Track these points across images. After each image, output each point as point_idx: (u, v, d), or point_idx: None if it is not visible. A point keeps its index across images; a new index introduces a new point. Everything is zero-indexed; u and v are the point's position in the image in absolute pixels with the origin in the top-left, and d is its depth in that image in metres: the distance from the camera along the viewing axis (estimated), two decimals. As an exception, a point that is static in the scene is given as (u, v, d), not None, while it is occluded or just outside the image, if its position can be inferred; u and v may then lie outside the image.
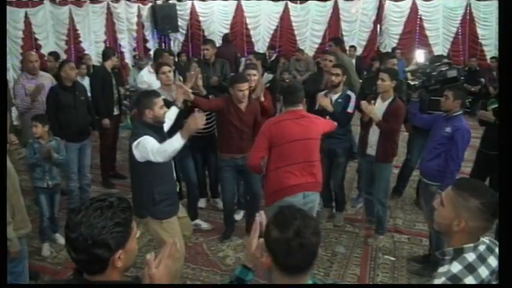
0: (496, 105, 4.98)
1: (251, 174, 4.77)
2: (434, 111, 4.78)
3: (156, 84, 5.22)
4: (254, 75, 5.04)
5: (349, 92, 4.90)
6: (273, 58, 11.68)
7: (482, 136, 5.14)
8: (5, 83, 4.43)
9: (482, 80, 9.96)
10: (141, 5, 11.79)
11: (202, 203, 5.66)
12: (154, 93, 3.62)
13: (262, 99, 5.02)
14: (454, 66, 4.22)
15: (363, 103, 4.51)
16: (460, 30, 11.77)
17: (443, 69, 4.23)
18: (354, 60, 10.93)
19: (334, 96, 4.89)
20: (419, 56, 4.99)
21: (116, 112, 6.24)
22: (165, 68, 4.99)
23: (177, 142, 3.25)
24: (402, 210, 5.75)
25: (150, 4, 12.03)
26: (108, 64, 6.09)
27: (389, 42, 12.21)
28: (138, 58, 10.59)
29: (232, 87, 4.55)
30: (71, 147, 5.17)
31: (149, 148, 3.25)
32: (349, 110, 4.79)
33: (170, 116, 3.97)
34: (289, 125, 3.70)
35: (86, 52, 10.11)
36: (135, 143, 3.32)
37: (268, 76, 5.96)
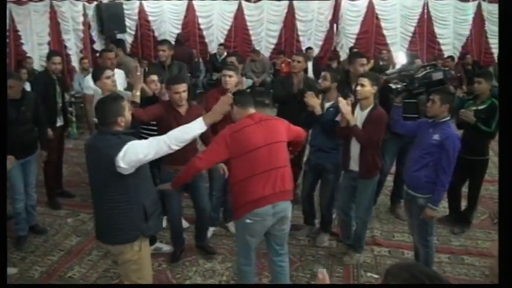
0: (474, 108, 4.75)
1: (198, 189, 4.35)
2: (409, 114, 4.46)
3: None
4: (230, 76, 4.56)
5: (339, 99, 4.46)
6: (224, 56, 11.14)
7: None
8: (5, 83, 3.91)
9: (444, 79, 9.88)
10: (86, 4, 10.98)
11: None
12: (120, 97, 3.14)
13: None
14: (439, 68, 3.89)
15: (340, 100, 4.09)
16: (417, 30, 11.74)
17: (428, 71, 3.88)
18: (310, 62, 10.67)
19: (327, 104, 4.46)
20: (401, 57, 4.63)
21: (59, 123, 5.51)
22: (109, 72, 4.53)
23: (198, 128, 3.02)
24: (378, 219, 5.42)
25: (95, 3, 11.23)
26: (51, 67, 5.36)
27: (346, 42, 12.00)
28: (82, 58, 9.83)
29: (168, 89, 4.13)
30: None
31: (148, 143, 2.89)
32: (337, 118, 4.30)
33: None
34: (252, 131, 3.36)
35: (27, 55, 9.26)
36: (121, 153, 2.81)
37: (247, 81, 5.44)
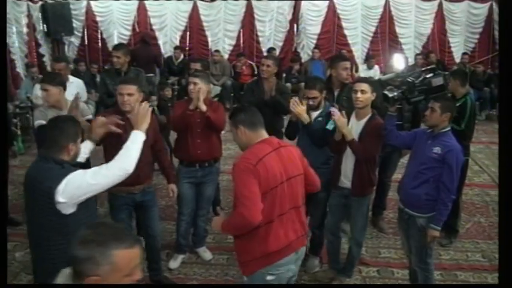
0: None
1: (149, 211, 3.81)
2: None
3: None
4: (195, 83, 4.00)
5: (332, 108, 4.01)
6: (180, 59, 10.65)
7: None
8: (5, 82, 3.34)
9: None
10: (30, 3, 10.09)
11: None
12: (74, 119, 2.74)
13: (204, 108, 3.95)
14: (439, 73, 3.52)
15: (335, 112, 3.65)
16: (379, 29, 11.60)
17: (427, 76, 3.50)
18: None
19: (314, 114, 3.99)
20: (398, 61, 4.22)
21: None
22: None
23: (139, 139, 2.73)
24: (360, 234, 5.06)
25: (40, 3, 10.35)
26: None
27: (307, 42, 11.65)
28: (30, 66, 8.98)
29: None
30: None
31: (94, 172, 2.47)
32: (328, 126, 3.85)
33: (85, 152, 3.02)
34: (273, 161, 2.69)
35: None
36: (61, 186, 2.33)
37: (215, 88, 4.90)
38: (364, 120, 3.75)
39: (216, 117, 4.05)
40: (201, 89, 3.97)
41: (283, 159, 2.75)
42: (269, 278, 2.73)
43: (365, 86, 3.63)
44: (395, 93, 3.52)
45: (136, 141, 2.67)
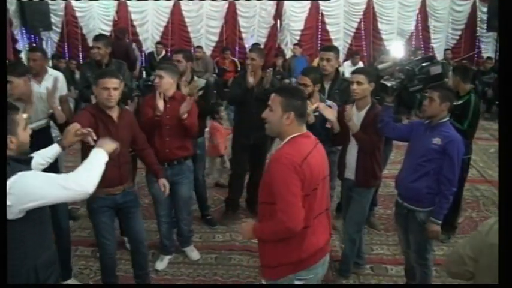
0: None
1: (132, 214, 3.54)
2: None
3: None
4: (161, 77, 3.76)
5: (329, 103, 3.87)
6: (162, 55, 10.49)
7: None
8: (5, 83, 3.23)
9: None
10: (7, -3, 9.81)
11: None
12: (13, 108, 2.29)
13: (185, 116, 3.74)
14: (437, 61, 3.41)
15: (347, 107, 3.56)
16: (361, 26, 11.64)
17: (424, 64, 3.39)
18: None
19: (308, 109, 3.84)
20: (397, 50, 4.08)
21: None
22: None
23: (102, 160, 2.39)
24: (352, 230, 4.93)
25: (17, -3, 10.08)
26: None
27: (290, 38, 11.62)
28: (7, 62, 8.68)
29: (96, 85, 3.27)
30: None
31: (49, 179, 2.12)
32: (328, 125, 3.73)
33: (49, 156, 2.67)
34: (316, 159, 2.44)
35: None
36: (7, 186, 2.02)
37: (200, 81, 4.68)
38: (365, 110, 3.66)
39: (191, 122, 3.83)
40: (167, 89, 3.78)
41: (321, 156, 2.53)
42: (297, 282, 2.49)
43: (361, 77, 3.53)
44: (393, 83, 3.40)
45: (98, 161, 2.35)
